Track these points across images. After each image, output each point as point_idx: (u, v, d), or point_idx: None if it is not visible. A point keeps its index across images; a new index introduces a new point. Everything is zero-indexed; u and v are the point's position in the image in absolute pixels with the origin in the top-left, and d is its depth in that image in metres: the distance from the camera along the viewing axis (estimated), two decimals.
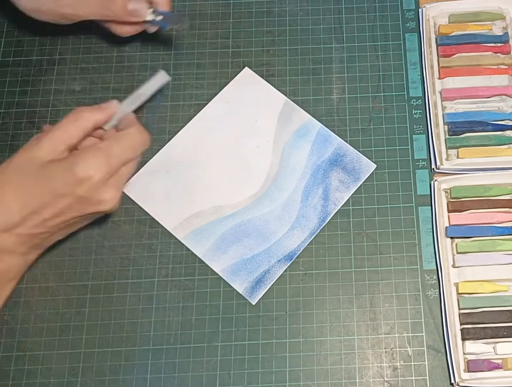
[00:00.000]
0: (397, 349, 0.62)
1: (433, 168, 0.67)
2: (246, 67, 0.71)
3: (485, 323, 0.61)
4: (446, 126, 0.68)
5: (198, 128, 0.69)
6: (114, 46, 0.73)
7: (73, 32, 0.73)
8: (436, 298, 0.63)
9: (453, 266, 0.63)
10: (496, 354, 0.60)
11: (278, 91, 0.70)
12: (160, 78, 0.63)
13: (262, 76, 0.71)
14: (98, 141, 0.59)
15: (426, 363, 0.61)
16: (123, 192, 0.67)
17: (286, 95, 0.70)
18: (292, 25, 0.73)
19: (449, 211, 0.65)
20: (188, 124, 0.69)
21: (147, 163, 0.68)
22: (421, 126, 0.69)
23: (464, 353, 0.61)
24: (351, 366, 0.61)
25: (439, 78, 0.69)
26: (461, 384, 0.59)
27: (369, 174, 0.67)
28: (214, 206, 0.66)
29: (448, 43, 0.70)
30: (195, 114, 0.70)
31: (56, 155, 0.56)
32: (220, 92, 0.71)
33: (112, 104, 0.60)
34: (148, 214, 0.66)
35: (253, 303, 0.63)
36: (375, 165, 0.67)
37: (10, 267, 0.57)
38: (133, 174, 0.61)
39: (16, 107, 0.71)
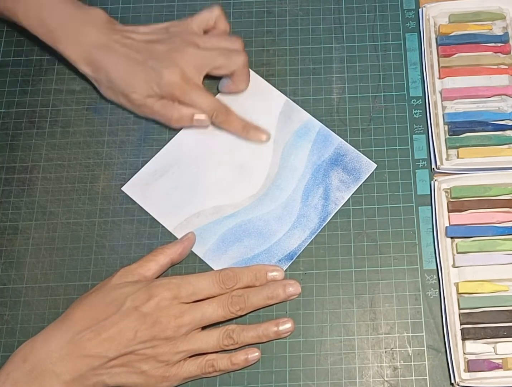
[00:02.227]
0: (397, 349, 0.61)
1: (433, 168, 0.67)
2: None
3: (485, 323, 0.61)
4: (446, 126, 0.68)
5: (198, 128, 0.69)
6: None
7: None
8: (436, 298, 0.63)
9: (453, 266, 0.63)
10: (496, 354, 0.60)
11: (278, 91, 0.70)
12: None
13: (262, 76, 0.71)
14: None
15: (426, 363, 0.61)
16: (124, 193, 0.67)
17: (286, 95, 0.70)
18: (292, 25, 0.73)
19: (449, 211, 0.65)
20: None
21: (147, 163, 0.68)
22: (421, 126, 0.69)
23: (464, 353, 0.60)
24: (351, 366, 0.61)
25: (439, 78, 0.69)
26: (461, 384, 0.59)
27: (369, 174, 0.67)
28: (215, 206, 0.66)
29: (448, 43, 0.70)
30: None
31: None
32: (221, 92, 0.71)
33: (190, 237, 0.65)
34: (148, 214, 0.66)
35: None
36: (376, 165, 0.67)
37: None
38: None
39: (16, 107, 0.71)
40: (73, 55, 0.67)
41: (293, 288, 0.62)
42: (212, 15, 0.69)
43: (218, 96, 0.70)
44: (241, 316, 0.61)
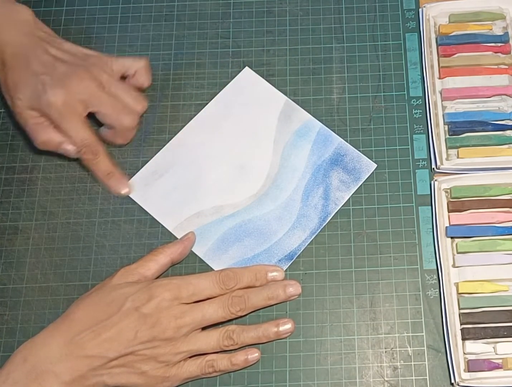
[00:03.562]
0: (397, 349, 0.61)
1: (433, 168, 0.66)
2: (247, 67, 0.71)
3: (485, 323, 0.61)
4: (446, 126, 0.68)
5: (199, 128, 0.69)
6: (115, 46, 0.73)
7: (74, 32, 0.73)
8: (436, 298, 0.63)
9: (453, 266, 0.63)
10: (496, 354, 0.60)
11: (278, 91, 0.70)
12: None
13: (262, 76, 0.71)
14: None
15: (426, 363, 0.61)
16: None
17: (286, 95, 0.70)
18: (292, 25, 0.73)
19: (449, 211, 0.65)
20: (188, 124, 0.69)
21: (148, 163, 0.68)
22: (421, 126, 0.69)
23: (464, 353, 0.60)
24: (351, 366, 0.61)
25: (439, 78, 0.69)
26: (461, 384, 0.59)
27: (369, 174, 0.67)
28: (215, 206, 0.66)
29: (448, 43, 0.70)
30: (195, 114, 0.70)
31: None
32: (221, 92, 0.71)
33: (190, 237, 0.65)
34: (148, 213, 0.66)
35: None
36: (376, 165, 0.67)
37: None
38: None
39: None
40: None
41: (293, 288, 0.62)
42: (135, 65, 0.68)
43: (215, 98, 0.70)
44: (241, 317, 0.61)
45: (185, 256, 0.64)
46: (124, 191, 0.67)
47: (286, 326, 0.61)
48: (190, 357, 0.59)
